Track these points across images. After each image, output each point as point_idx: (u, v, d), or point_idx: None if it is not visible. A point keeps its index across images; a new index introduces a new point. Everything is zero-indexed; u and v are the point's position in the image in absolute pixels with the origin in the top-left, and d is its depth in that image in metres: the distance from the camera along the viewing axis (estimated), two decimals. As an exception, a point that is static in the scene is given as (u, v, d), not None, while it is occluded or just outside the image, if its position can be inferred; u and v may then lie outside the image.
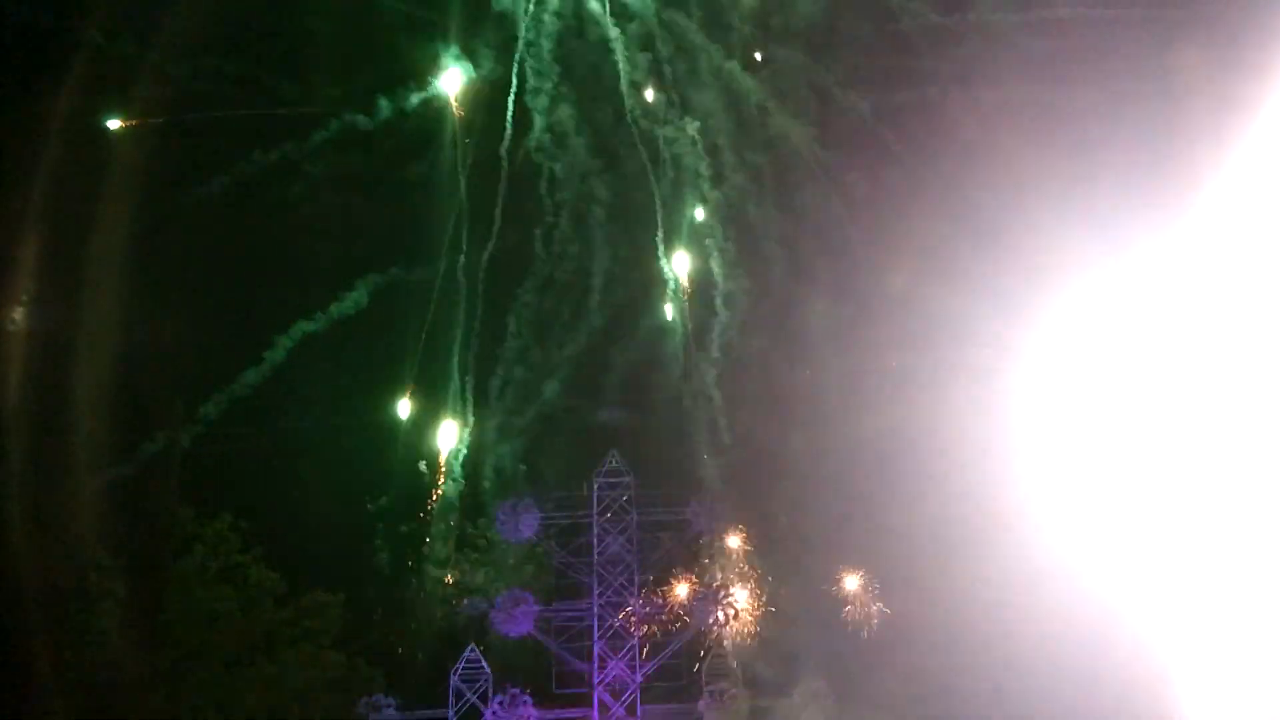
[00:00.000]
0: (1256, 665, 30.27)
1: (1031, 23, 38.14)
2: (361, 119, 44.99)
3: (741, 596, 40.27)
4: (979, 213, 38.60)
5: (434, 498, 43.77)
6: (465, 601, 41.34)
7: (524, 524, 41.61)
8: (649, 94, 44.26)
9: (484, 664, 39.89)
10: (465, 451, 44.58)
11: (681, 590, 40.76)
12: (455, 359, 44.78)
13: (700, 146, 43.94)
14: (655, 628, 40.74)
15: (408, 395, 44.91)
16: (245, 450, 43.31)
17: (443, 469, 44.07)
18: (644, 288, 45.19)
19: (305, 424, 44.03)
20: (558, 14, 43.85)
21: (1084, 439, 35.45)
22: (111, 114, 42.60)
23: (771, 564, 40.77)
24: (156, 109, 42.93)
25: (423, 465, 44.57)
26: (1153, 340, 34.59)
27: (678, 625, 40.64)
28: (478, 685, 39.68)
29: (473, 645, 40.27)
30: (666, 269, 44.61)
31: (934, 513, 36.59)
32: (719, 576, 40.67)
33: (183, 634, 40.39)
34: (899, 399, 38.97)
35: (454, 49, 44.47)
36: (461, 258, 45.30)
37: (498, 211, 45.07)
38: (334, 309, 45.10)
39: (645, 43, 43.85)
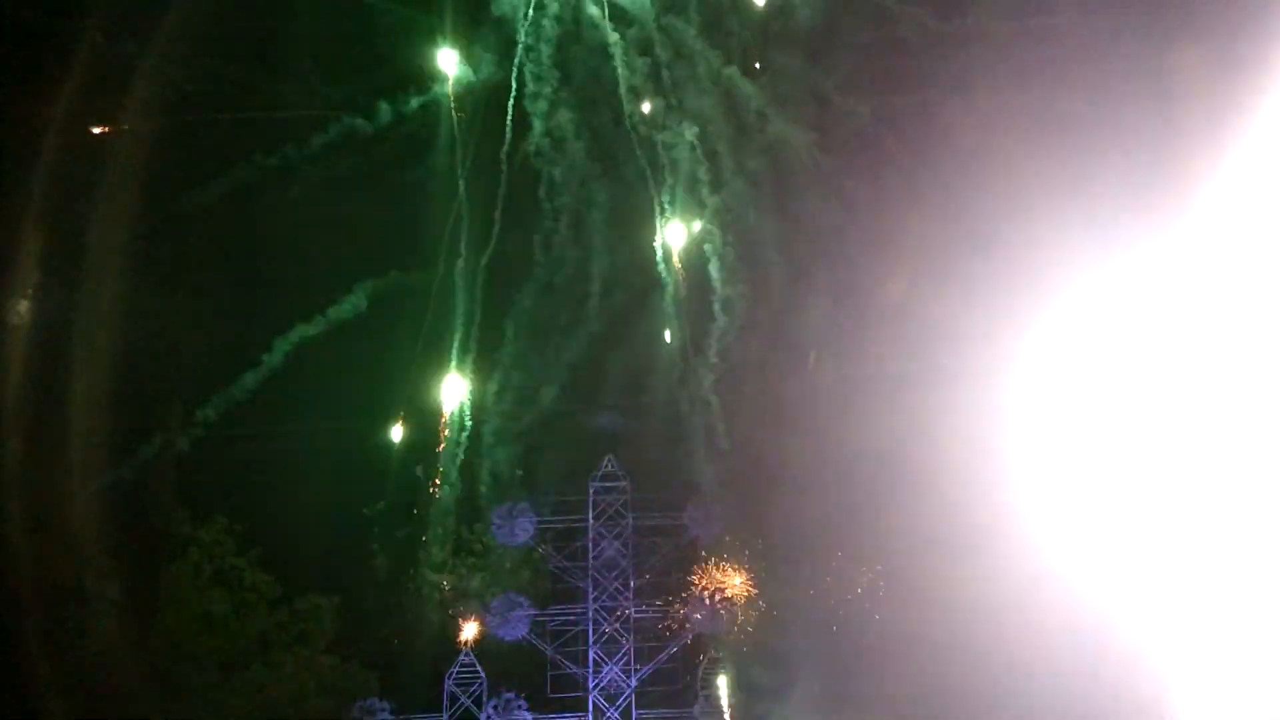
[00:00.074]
0: (1254, 668, 30.07)
1: (1029, 28, 38.15)
2: (361, 122, 44.99)
3: (737, 601, 40.19)
4: (977, 218, 38.55)
5: (430, 498, 43.64)
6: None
7: (520, 528, 41.63)
8: (648, 99, 44.26)
9: (479, 668, 39.81)
10: (462, 456, 44.51)
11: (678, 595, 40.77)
12: (453, 363, 44.75)
13: (699, 152, 43.95)
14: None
15: (404, 400, 44.87)
16: (242, 453, 43.22)
17: (439, 473, 43.96)
18: (642, 292, 45.18)
19: (302, 427, 43.86)
20: (557, 19, 43.91)
21: (1082, 444, 35.27)
22: (110, 116, 42.54)
23: (768, 568, 40.72)
24: (155, 111, 42.87)
25: (419, 470, 44.54)
26: (1151, 344, 34.43)
27: (673, 629, 40.61)
28: (472, 689, 39.61)
29: (468, 649, 40.20)
30: (664, 274, 44.61)
31: (931, 517, 36.43)
32: (715, 581, 40.55)
33: (177, 637, 40.29)
34: (897, 404, 38.85)
35: (453, 53, 44.49)
36: (460, 262, 45.31)
37: (497, 215, 45.08)
38: (332, 312, 45.02)
39: (644, 48, 43.90)
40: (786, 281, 43.02)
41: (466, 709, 39.33)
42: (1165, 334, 34.09)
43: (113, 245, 41.41)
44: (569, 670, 40.95)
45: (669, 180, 44.61)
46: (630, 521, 41.81)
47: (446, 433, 44.22)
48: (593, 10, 43.89)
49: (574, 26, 44.41)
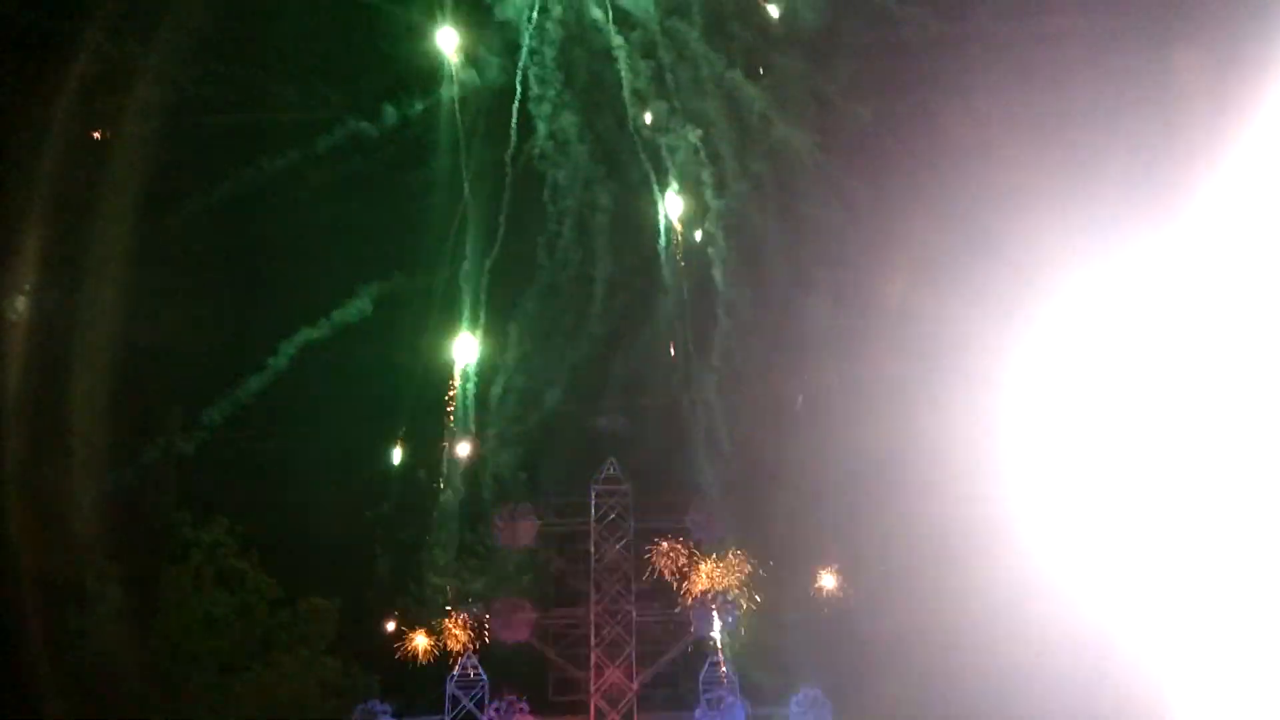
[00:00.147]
0: (1254, 671, 30.06)
1: (1030, 31, 38.20)
2: (365, 125, 45.06)
3: (739, 604, 40.16)
4: (978, 220, 38.57)
5: (433, 501, 43.63)
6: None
7: (522, 531, 41.59)
8: (651, 102, 44.34)
9: (481, 670, 39.75)
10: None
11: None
12: (456, 366, 44.76)
13: (702, 154, 44.02)
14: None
15: (407, 403, 44.88)
16: (244, 454, 43.25)
17: (442, 475, 43.96)
18: (644, 295, 45.20)
19: (305, 429, 43.88)
20: (561, 22, 44.00)
21: (1083, 446, 35.31)
22: (114, 119, 42.59)
23: (769, 571, 40.67)
24: (159, 113, 42.94)
25: (422, 472, 44.51)
26: (1152, 347, 34.46)
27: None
28: (474, 692, 39.54)
29: (469, 652, 40.15)
30: (667, 276, 44.66)
31: (933, 520, 36.41)
32: (717, 584, 40.52)
33: (178, 638, 40.28)
34: (898, 407, 38.83)
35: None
36: (465, 264, 45.38)
37: (501, 218, 45.16)
38: (337, 315, 45.07)
39: (648, 51, 43.98)
40: (788, 284, 43.01)
41: (468, 711, 39.21)
42: (1166, 337, 34.13)
43: (117, 247, 41.48)
44: (571, 673, 40.88)
45: (672, 183, 44.68)
46: (632, 524, 41.75)
47: (448, 434, 44.28)
48: (596, 14, 43.98)
49: (578, 30, 44.52)
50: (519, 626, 40.36)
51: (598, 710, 39.95)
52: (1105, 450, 35.08)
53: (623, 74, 43.93)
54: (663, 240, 44.71)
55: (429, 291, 45.36)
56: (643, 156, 44.52)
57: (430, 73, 44.93)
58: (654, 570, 41.02)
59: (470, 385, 44.71)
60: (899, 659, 36.60)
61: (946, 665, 35.49)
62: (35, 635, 37.06)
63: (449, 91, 45.00)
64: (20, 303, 40.23)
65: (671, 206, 44.74)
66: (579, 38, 44.39)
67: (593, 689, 40.20)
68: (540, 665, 41.16)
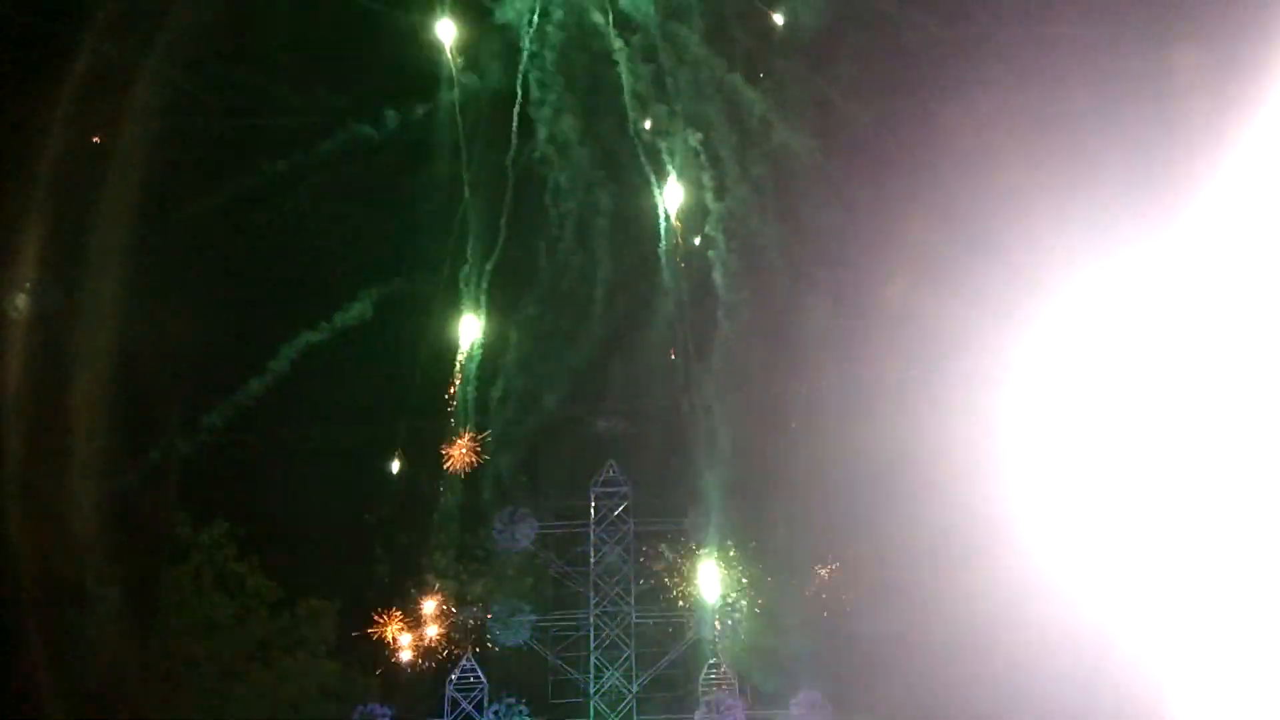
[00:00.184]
0: (1254, 674, 29.95)
1: (1030, 33, 38.21)
2: (366, 129, 45.13)
3: (739, 607, 40.13)
4: (979, 222, 38.53)
5: (433, 504, 43.58)
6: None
7: (521, 533, 41.57)
8: (652, 105, 44.39)
9: (480, 673, 39.72)
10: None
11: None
12: (456, 366, 44.79)
13: (703, 157, 44.05)
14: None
15: (408, 405, 44.89)
16: (243, 457, 43.24)
17: (443, 478, 43.93)
18: (645, 297, 45.22)
19: (305, 431, 43.86)
20: (561, 26, 44.06)
21: (1083, 448, 35.22)
22: (113, 122, 42.65)
23: (769, 574, 40.62)
24: (158, 117, 42.97)
25: (422, 476, 44.48)
26: (1152, 350, 34.40)
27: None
28: (473, 695, 39.51)
29: (468, 654, 40.13)
30: (667, 278, 44.69)
31: (933, 522, 36.36)
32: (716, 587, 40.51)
33: (178, 641, 40.25)
34: (898, 410, 38.77)
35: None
36: (465, 267, 45.44)
37: (502, 222, 45.23)
38: (338, 319, 45.11)
39: (648, 54, 44.04)
40: (788, 286, 43.00)
41: (467, 714, 39.17)
42: (1167, 339, 34.07)
43: (118, 250, 41.48)
44: (570, 676, 40.83)
45: (672, 186, 44.70)
46: (631, 527, 41.71)
47: (448, 436, 44.27)
48: (597, 18, 44.04)
49: (578, 34, 44.58)
50: (518, 629, 40.27)
51: (597, 713, 39.93)
52: (1105, 451, 34.97)
53: (623, 77, 43.99)
54: (663, 243, 44.75)
55: (429, 294, 45.39)
56: (643, 159, 44.57)
57: (431, 77, 45.01)
58: (653, 573, 41.01)
59: (470, 388, 44.71)
60: (898, 661, 36.54)
61: (946, 668, 35.39)
62: (35, 637, 36.97)
63: (449, 95, 45.08)
64: (21, 304, 40.22)
65: (672, 209, 44.75)
66: (579, 41, 44.44)
67: (592, 692, 40.14)
68: (539, 668, 41.07)
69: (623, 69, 43.96)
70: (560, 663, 41.04)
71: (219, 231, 44.04)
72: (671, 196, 44.60)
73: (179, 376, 43.22)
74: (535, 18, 43.89)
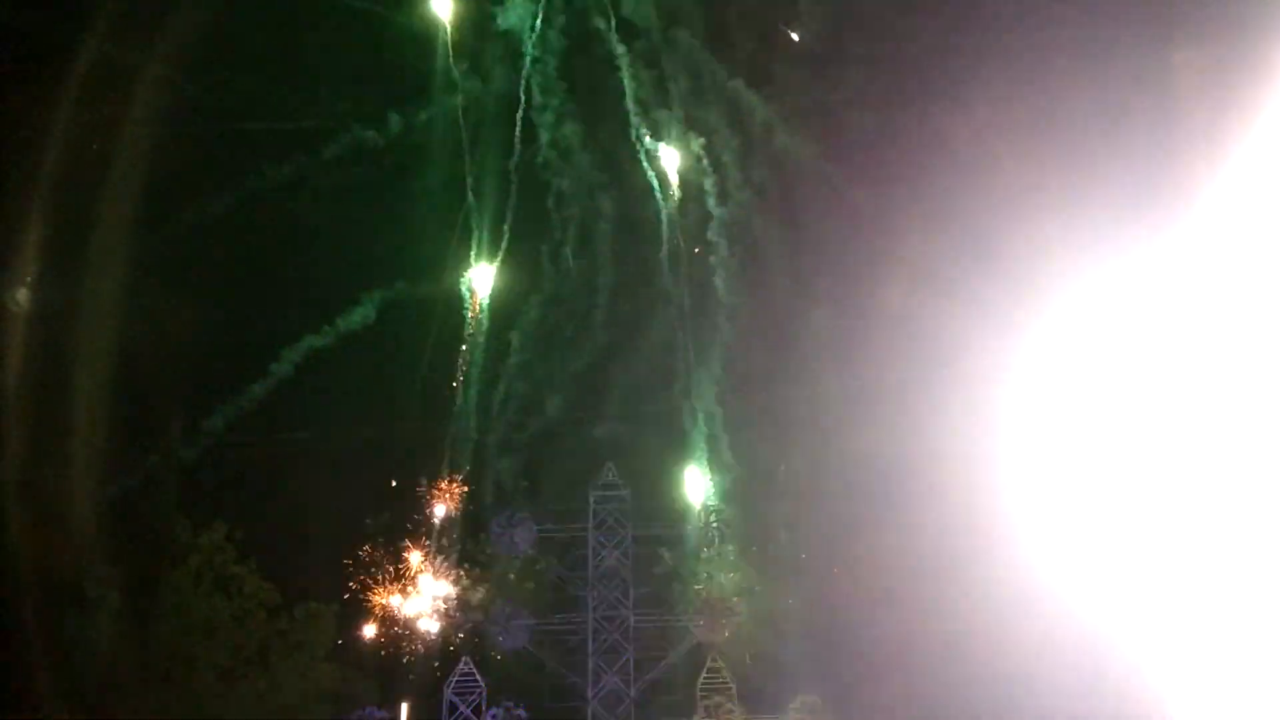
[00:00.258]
0: (1252, 678, 29.87)
1: (1029, 40, 38.30)
2: (370, 134, 45.29)
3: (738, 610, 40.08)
4: (977, 228, 38.61)
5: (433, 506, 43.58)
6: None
7: (519, 537, 41.54)
8: (654, 111, 44.59)
9: (478, 677, 39.66)
10: (467, 465, 44.53)
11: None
12: (458, 370, 44.86)
13: (705, 163, 44.20)
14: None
15: (409, 408, 44.92)
16: (243, 460, 43.29)
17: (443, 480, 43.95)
18: (646, 303, 45.32)
19: (305, 435, 43.92)
20: (564, 32, 44.29)
21: (1082, 453, 35.21)
22: (117, 126, 42.77)
23: (768, 578, 40.56)
24: (162, 121, 43.11)
25: (423, 479, 44.50)
26: (1152, 355, 34.42)
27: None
28: (472, 698, 39.45)
29: (467, 658, 40.09)
30: (669, 282, 44.76)
31: (932, 527, 36.30)
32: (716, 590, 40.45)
33: (177, 643, 40.14)
34: (898, 414, 38.77)
35: (461, 66, 44.84)
36: (468, 271, 45.59)
37: (505, 226, 45.40)
38: (340, 322, 45.19)
39: (651, 60, 44.27)
40: (790, 291, 43.07)
41: (466, 717, 39.08)
42: (1165, 344, 34.08)
43: (120, 253, 41.58)
44: (569, 679, 40.75)
45: (674, 191, 44.84)
46: (630, 530, 41.69)
47: (449, 439, 44.34)
48: (599, 23, 44.25)
49: (581, 40, 44.80)
50: (517, 633, 40.22)
51: (595, 716, 39.82)
52: (1105, 457, 34.95)
53: (626, 83, 44.18)
54: (664, 247, 44.83)
55: (431, 298, 45.47)
56: (645, 164, 44.71)
57: (434, 81, 45.23)
58: (652, 576, 41.01)
59: (472, 391, 44.77)
60: (897, 665, 36.44)
61: (945, 672, 35.28)
62: (35, 639, 36.93)
63: (453, 100, 45.29)
64: (22, 306, 40.31)
65: (673, 214, 44.86)
66: (582, 47, 44.67)
67: (590, 695, 40.07)
68: (538, 671, 40.98)
69: (625, 74, 44.17)
70: (559, 666, 40.96)
71: (222, 234, 44.17)
72: (672, 201, 44.73)
73: (180, 379, 43.29)
74: (538, 23, 44.11)
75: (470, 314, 45.45)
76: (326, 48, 44.34)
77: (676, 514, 41.98)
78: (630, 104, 44.54)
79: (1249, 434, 31.52)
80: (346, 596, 42.05)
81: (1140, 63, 36.10)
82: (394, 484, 44.19)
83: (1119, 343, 35.32)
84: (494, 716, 39.00)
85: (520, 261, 45.91)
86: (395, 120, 45.26)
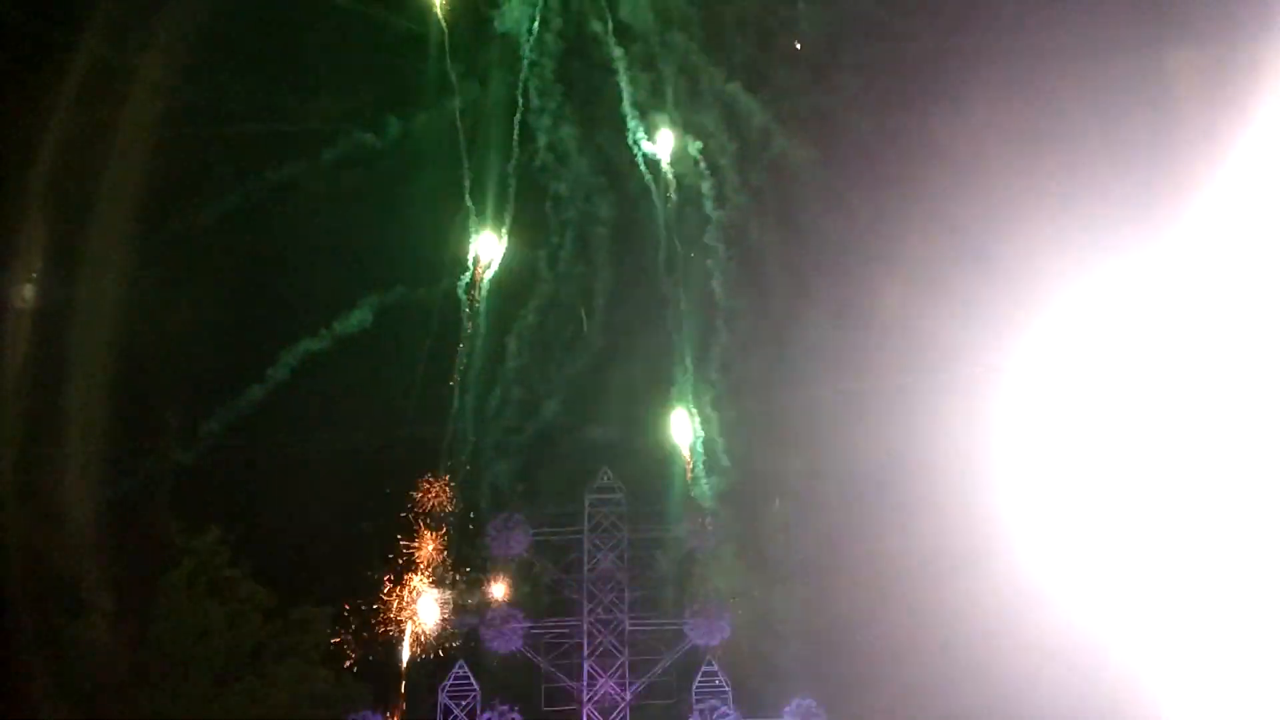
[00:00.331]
0: (1249, 682, 29.73)
1: (1027, 44, 38.39)
2: (369, 137, 45.37)
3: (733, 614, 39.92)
4: (977, 232, 38.61)
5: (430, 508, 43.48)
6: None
7: (515, 540, 41.41)
8: (651, 114, 44.64)
9: (473, 680, 39.47)
10: (464, 468, 44.46)
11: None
12: (456, 375, 44.84)
13: (702, 167, 44.22)
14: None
15: (405, 413, 44.87)
16: (237, 463, 43.22)
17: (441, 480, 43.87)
18: (643, 306, 45.29)
19: (300, 438, 43.82)
20: (561, 35, 44.38)
21: (1079, 458, 35.13)
22: (116, 129, 42.88)
23: (764, 581, 40.42)
24: (160, 125, 43.22)
25: (420, 481, 44.41)
26: (1149, 359, 34.37)
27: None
28: (466, 702, 39.26)
29: (461, 661, 39.94)
30: (666, 287, 44.78)
31: (929, 530, 36.18)
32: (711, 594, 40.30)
33: (171, 646, 40.02)
34: (895, 417, 38.70)
35: (458, 69, 44.94)
36: (465, 275, 45.59)
37: (503, 230, 45.40)
38: (338, 326, 45.19)
39: (648, 63, 44.33)
40: (786, 294, 43.07)
41: (459, 721, 38.95)
42: (1162, 349, 34.04)
43: (119, 257, 41.66)
44: (563, 683, 40.51)
45: (671, 194, 44.86)
46: (625, 534, 41.55)
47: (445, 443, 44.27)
48: (596, 27, 44.33)
49: (578, 43, 44.90)
50: (511, 636, 40.05)
51: (590, 720, 39.67)
52: (1102, 459, 34.89)
53: (623, 86, 44.23)
54: (661, 251, 44.83)
55: (428, 302, 45.47)
56: (643, 168, 44.74)
57: (432, 85, 45.30)
58: (647, 580, 40.86)
59: (468, 395, 44.74)
60: (893, 669, 36.28)
61: (941, 675, 35.13)
62: (30, 640, 36.89)
63: (451, 103, 45.38)
64: (18, 310, 40.38)
65: (670, 218, 44.88)
66: (580, 50, 44.76)
67: (585, 699, 39.87)
68: (532, 675, 40.78)
69: (622, 78, 44.22)
70: (553, 670, 40.70)
71: (219, 237, 44.27)
72: (670, 204, 44.76)
73: (177, 382, 43.30)
74: (535, 26, 44.21)
75: (467, 317, 45.43)
76: (325, 51, 44.57)
77: (672, 517, 41.68)
78: (627, 107, 44.62)
79: (1247, 435, 31.44)
80: (341, 600, 42.04)
81: (1138, 64, 36.14)
82: (389, 487, 44.10)
83: (1116, 346, 35.30)
84: (487, 720, 38.81)
85: (517, 264, 45.92)
86: (393, 123, 45.42)
